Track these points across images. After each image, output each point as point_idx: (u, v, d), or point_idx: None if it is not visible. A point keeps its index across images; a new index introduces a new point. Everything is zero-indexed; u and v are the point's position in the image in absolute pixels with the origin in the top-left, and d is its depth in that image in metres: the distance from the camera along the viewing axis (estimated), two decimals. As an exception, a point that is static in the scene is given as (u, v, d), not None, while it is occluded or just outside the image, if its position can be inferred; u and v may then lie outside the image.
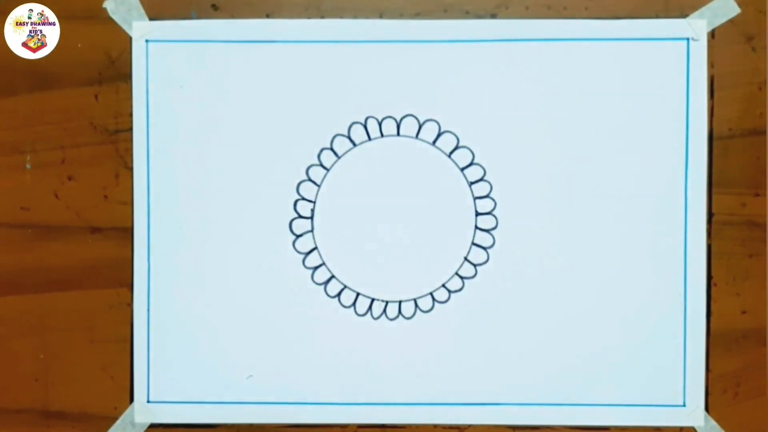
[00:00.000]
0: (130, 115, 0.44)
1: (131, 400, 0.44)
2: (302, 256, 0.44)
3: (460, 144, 0.43)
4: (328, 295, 0.44)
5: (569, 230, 0.43)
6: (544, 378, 0.43)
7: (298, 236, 0.44)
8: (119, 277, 0.44)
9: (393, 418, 0.43)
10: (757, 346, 0.44)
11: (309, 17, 0.43)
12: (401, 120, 0.43)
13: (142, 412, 0.44)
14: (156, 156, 0.44)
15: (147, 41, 0.43)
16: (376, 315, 0.44)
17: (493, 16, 0.43)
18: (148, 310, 0.44)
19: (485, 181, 0.43)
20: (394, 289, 0.44)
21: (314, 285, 0.44)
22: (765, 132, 0.43)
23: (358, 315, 0.44)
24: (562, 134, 0.43)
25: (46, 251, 0.44)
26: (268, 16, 0.44)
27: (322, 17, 0.43)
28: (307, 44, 0.43)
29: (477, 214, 0.43)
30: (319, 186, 0.44)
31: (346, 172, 0.44)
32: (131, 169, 0.44)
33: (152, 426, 0.44)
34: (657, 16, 0.43)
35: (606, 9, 0.43)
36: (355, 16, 0.43)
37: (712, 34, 0.43)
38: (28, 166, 0.44)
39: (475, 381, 0.43)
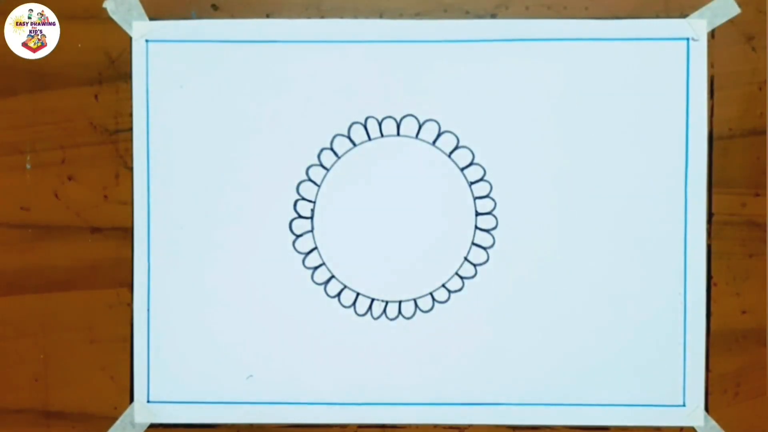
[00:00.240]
0: (130, 115, 0.44)
1: (131, 400, 0.44)
2: (302, 256, 0.44)
3: (460, 144, 0.43)
4: (328, 295, 0.44)
5: (569, 230, 0.43)
6: (544, 378, 0.43)
7: (298, 236, 0.44)
8: (119, 277, 0.44)
9: (393, 418, 0.43)
10: (757, 346, 0.44)
11: (309, 17, 0.43)
12: (401, 120, 0.43)
13: (141, 412, 0.44)
14: (156, 156, 0.44)
15: (147, 41, 0.43)
16: (376, 315, 0.43)
17: (493, 16, 0.43)
18: (148, 310, 0.44)
19: (485, 181, 0.43)
20: (394, 289, 0.44)
21: (314, 285, 0.44)
22: (765, 132, 0.43)
23: (358, 315, 0.44)
24: (561, 134, 0.43)
25: (46, 251, 0.44)
26: (268, 16, 0.44)
27: (322, 17, 0.43)
28: (307, 44, 0.43)
29: (477, 214, 0.43)
30: (319, 186, 0.44)
31: (346, 172, 0.44)
32: (131, 169, 0.44)
33: (152, 426, 0.44)
34: (657, 16, 0.43)
35: (606, 9, 0.43)
36: (355, 16, 0.43)
37: (712, 34, 0.43)
38: (28, 166, 0.44)
39: (475, 381, 0.43)
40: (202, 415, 0.44)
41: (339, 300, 0.44)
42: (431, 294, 0.43)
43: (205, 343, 0.44)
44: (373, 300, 0.44)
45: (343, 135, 0.43)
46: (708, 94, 0.43)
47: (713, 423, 0.44)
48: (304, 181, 0.44)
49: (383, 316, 0.43)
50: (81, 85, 0.44)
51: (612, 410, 0.43)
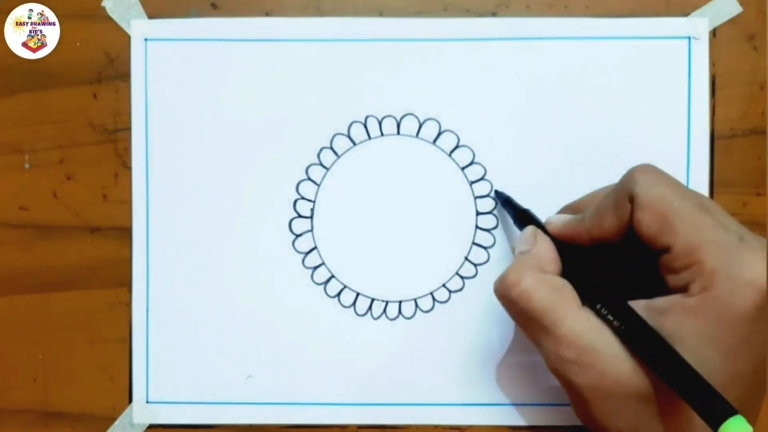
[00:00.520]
0: (129, 114, 0.44)
1: (130, 400, 0.44)
2: (302, 256, 0.44)
3: (461, 143, 0.43)
4: (328, 295, 0.43)
5: (570, 230, 0.43)
6: (545, 378, 0.43)
7: (297, 236, 0.44)
8: (118, 277, 0.44)
9: (393, 418, 0.43)
10: (759, 346, 0.44)
11: (308, 16, 0.43)
12: (401, 119, 0.43)
13: (141, 412, 0.44)
14: (155, 155, 0.43)
15: (146, 40, 0.43)
16: (376, 315, 0.43)
17: (494, 14, 0.43)
18: (147, 310, 0.43)
19: (485, 180, 0.43)
20: (394, 289, 0.43)
21: (314, 285, 0.43)
22: (766, 131, 0.43)
23: (358, 315, 0.43)
24: (562, 133, 0.43)
25: (44, 251, 0.44)
26: (267, 15, 0.43)
27: (322, 16, 0.43)
28: (307, 43, 0.43)
29: (477, 213, 0.43)
30: (319, 185, 0.44)
31: (346, 171, 0.43)
32: (130, 168, 0.44)
33: (151, 426, 0.44)
34: (658, 15, 0.43)
35: (607, 7, 0.43)
36: (354, 15, 0.43)
37: (713, 33, 0.43)
38: (26, 166, 0.44)
39: (475, 381, 0.43)
40: (202, 416, 0.43)
41: (339, 300, 0.43)
42: (431, 294, 0.43)
43: (205, 343, 0.43)
44: (373, 300, 0.43)
45: (343, 134, 0.43)
46: (709, 93, 0.43)
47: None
48: (303, 180, 0.43)
49: (383, 316, 0.43)
50: (80, 85, 0.44)
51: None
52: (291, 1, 0.43)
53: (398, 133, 0.43)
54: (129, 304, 0.44)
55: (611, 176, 0.43)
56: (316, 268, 0.44)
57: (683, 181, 0.43)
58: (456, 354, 0.43)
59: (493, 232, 0.43)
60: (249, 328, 0.43)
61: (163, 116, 0.43)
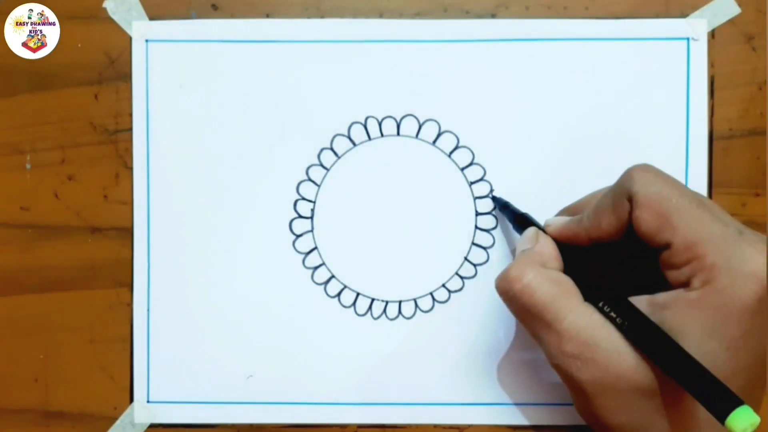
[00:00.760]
0: (130, 114, 0.44)
1: (131, 400, 0.44)
2: (302, 256, 0.44)
3: (460, 144, 0.43)
4: (328, 295, 0.44)
5: (569, 230, 0.43)
6: (546, 378, 0.43)
7: (298, 236, 0.44)
8: (119, 277, 0.44)
9: (393, 418, 0.43)
10: (757, 346, 0.44)
11: (309, 17, 0.43)
12: (401, 120, 0.43)
13: (141, 412, 0.44)
14: (156, 156, 0.44)
15: (147, 41, 0.43)
16: (376, 315, 0.43)
17: (493, 15, 0.43)
18: (148, 310, 0.44)
19: (485, 180, 0.43)
20: (394, 289, 0.43)
21: (314, 285, 0.44)
22: (765, 132, 0.43)
23: (358, 315, 0.43)
24: (561, 134, 0.43)
25: (45, 251, 0.44)
26: (268, 16, 0.44)
27: (322, 17, 0.43)
28: (307, 44, 0.43)
29: (477, 214, 0.43)
30: (319, 186, 0.44)
31: (346, 172, 0.44)
32: (131, 168, 0.44)
33: (152, 426, 0.44)
34: (657, 16, 0.43)
35: (606, 9, 0.43)
36: (355, 16, 0.43)
37: (712, 34, 0.43)
38: (28, 166, 0.44)
39: (475, 381, 0.43)
40: (202, 415, 0.44)
41: (339, 300, 0.44)
42: (431, 294, 0.43)
43: (205, 343, 0.44)
44: (373, 300, 0.44)
45: (343, 135, 0.43)
46: (708, 94, 0.43)
47: (713, 423, 0.43)
48: (304, 181, 0.44)
49: (383, 316, 0.43)
50: (81, 85, 0.44)
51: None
52: (291, 2, 0.44)
53: (398, 133, 0.43)
54: (130, 304, 0.44)
55: (610, 176, 0.43)
56: (316, 268, 0.44)
57: (682, 181, 0.43)
58: (455, 354, 0.43)
59: (492, 232, 0.43)
60: (249, 328, 0.43)
61: (164, 117, 0.43)
